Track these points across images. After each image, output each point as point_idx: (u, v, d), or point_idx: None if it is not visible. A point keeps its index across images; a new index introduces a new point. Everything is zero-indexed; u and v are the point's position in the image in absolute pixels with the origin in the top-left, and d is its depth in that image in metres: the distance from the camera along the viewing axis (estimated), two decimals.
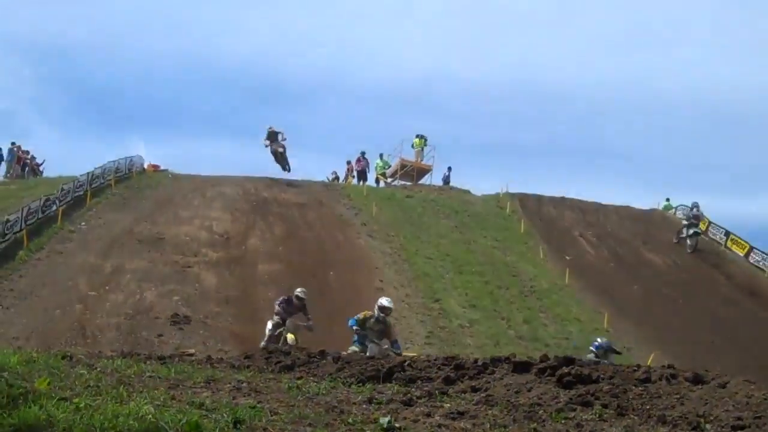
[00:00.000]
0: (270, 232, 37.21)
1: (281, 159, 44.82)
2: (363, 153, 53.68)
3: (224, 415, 6.55)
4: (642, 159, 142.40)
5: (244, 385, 8.95)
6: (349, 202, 43.43)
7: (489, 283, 34.86)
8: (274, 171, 45.33)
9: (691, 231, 45.14)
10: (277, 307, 23.50)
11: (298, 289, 24.38)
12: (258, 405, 7.39)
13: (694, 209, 46.30)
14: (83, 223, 35.70)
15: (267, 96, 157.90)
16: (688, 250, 44.62)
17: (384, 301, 20.37)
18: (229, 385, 8.78)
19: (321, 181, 50.19)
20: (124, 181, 43.54)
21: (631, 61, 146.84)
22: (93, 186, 40.10)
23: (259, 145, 45.14)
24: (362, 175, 53.22)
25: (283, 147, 44.46)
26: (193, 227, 36.12)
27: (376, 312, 19.64)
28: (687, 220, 46.30)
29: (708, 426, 7.75)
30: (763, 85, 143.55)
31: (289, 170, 45.72)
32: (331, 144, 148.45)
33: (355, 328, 19.67)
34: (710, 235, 49.05)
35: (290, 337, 24.52)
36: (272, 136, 44.52)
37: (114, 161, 43.84)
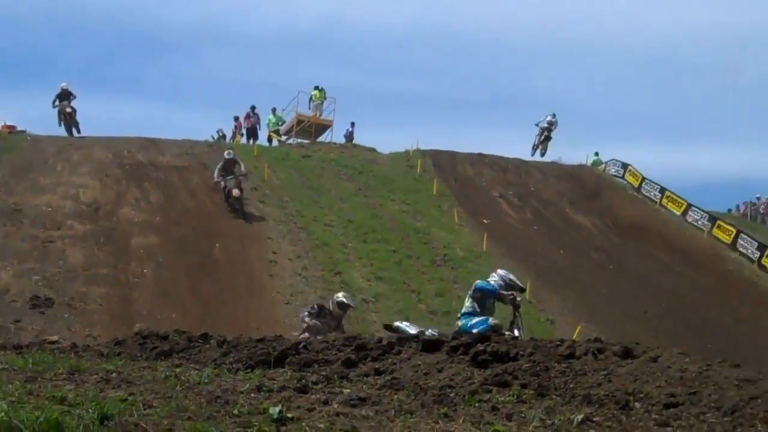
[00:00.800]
0: (146, 201, 36.77)
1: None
2: (253, 108, 53.26)
3: (89, 410, 6.46)
4: (566, 110, 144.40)
5: (114, 375, 8.85)
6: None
7: (397, 252, 35.04)
8: (152, 130, 44.78)
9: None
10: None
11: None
12: (129, 398, 7.31)
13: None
14: None
15: (143, 45, 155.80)
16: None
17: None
18: (96, 376, 8.67)
19: (205, 140, 49.51)
20: None
21: (549, 4, 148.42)
22: None
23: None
24: (252, 133, 52.87)
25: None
26: (56, 196, 35.45)
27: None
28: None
29: (637, 404, 7.90)
30: (695, 29, 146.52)
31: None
32: (216, 98, 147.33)
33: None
34: (644, 192, 50.11)
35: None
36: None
37: None
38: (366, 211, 39.27)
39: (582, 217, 45.32)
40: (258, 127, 53.10)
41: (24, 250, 30.04)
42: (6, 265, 28.76)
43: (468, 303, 17.50)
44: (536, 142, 52.90)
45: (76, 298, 27.28)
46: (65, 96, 43.81)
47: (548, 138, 51.90)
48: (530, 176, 50.40)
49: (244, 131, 53.38)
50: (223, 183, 36.30)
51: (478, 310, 17.20)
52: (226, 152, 37.31)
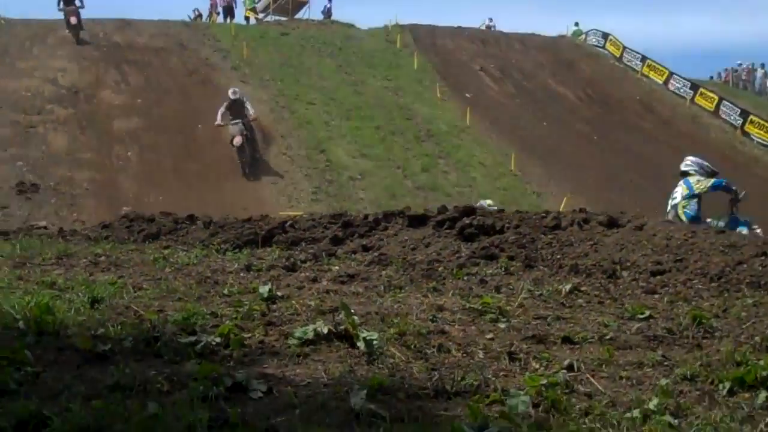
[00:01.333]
0: (125, 83, 36.45)
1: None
2: None
3: (80, 294, 6.48)
4: None
5: (102, 258, 8.86)
6: (215, 43, 42.62)
7: (381, 128, 34.96)
8: (125, 11, 44.01)
9: None
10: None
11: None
12: (119, 280, 7.33)
13: None
14: None
15: None
16: None
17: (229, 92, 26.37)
18: (85, 260, 8.67)
19: (181, 20, 48.91)
20: None
21: None
22: None
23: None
24: (229, 12, 52.25)
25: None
26: (35, 81, 35.06)
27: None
28: None
29: (624, 273, 7.96)
30: None
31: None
32: None
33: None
34: (625, 62, 49.90)
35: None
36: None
37: None
38: (348, 89, 39.04)
39: (564, 88, 45.17)
40: (234, 5, 52.48)
41: (5, 136, 29.84)
42: None
43: (694, 205, 14.42)
44: None
45: (62, 183, 27.23)
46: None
47: None
48: (510, 48, 50.09)
49: (220, 10, 52.75)
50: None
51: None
52: (230, 90, 31.27)
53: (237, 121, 29.99)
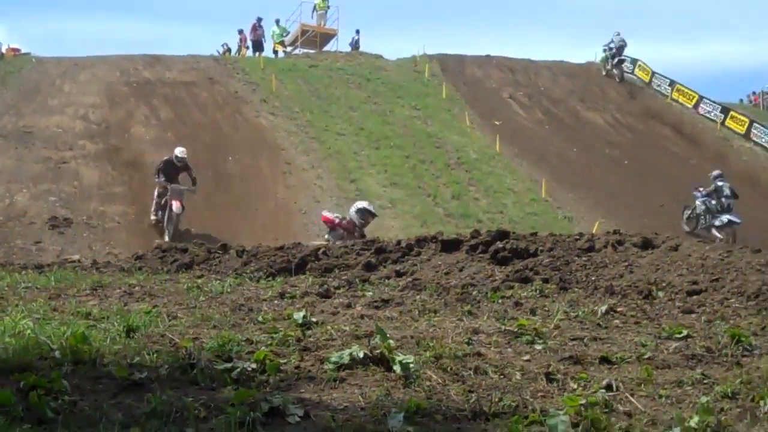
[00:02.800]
0: (155, 118, 36.62)
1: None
2: (259, 20, 52.93)
3: (115, 323, 6.49)
4: (573, 7, 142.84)
5: (137, 288, 8.89)
6: (244, 77, 42.84)
7: (410, 157, 34.95)
8: (154, 47, 44.47)
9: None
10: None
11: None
12: (154, 309, 7.34)
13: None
14: None
15: None
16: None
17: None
18: (119, 291, 8.71)
19: (210, 55, 49.25)
20: None
21: None
22: None
23: None
24: (258, 46, 52.51)
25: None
26: (66, 117, 35.34)
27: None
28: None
29: (660, 293, 7.90)
30: None
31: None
32: (218, 12, 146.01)
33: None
34: (654, 87, 49.75)
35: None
36: None
37: None
38: (376, 118, 39.11)
39: (593, 114, 45.11)
40: (263, 39, 52.73)
41: (38, 172, 30.03)
42: (22, 187, 28.78)
43: None
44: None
45: (94, 217, 27.33)
46: None
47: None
48: (539, 76, 50.09)
49: (249, 44, 53.03)
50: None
51: None
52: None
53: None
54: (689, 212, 29.71)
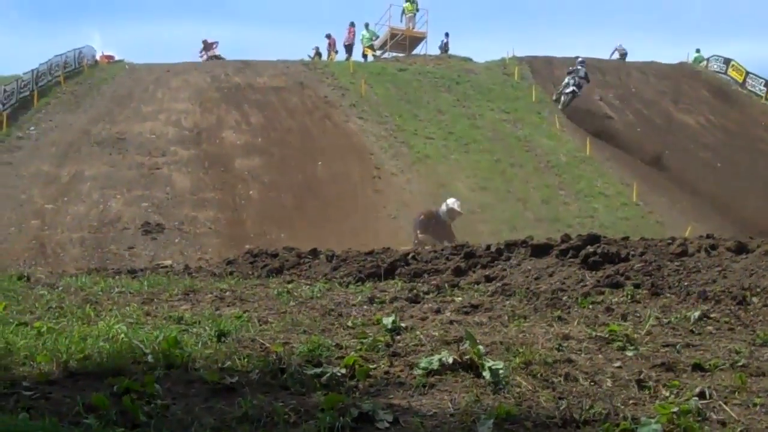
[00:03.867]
0: (246, 123, 37.01)
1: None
2: (352, 23, 53.08)
3: (206, 328, 6.56)
4: (664, 5, 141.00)
5: (228, 293, 8.98)
6: (334, 81, 43.09)
7: (500, 161, 34.86)
8: (248, 52, 44.92)
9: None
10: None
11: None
12: (245, 314, 7.40)
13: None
14: (32, 128, 35.46)
15: None
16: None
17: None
18: (210, 296, 8.80)
19: (300, 60, 49.54)
20: (75, 76, 43.03)
21: None
22: (39, 85, 39.71)
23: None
24: (349, 50, 52.71)
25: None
26: (159, 123, 35.91)
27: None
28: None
29: (755, 299, 7.76)
30: None
31: None
32: (308, 15, 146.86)
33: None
34: (748, 87, 48.92)
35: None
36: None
37: (61, 55, 43.27)
38: (466, 122, 39.05)
39: (685, 115, 44.51)
40: (353, 42, 52.94)
41: (131, 178, 30.53)
42: (116, 193, 29.29)
43: None
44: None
45: (186, 223, 27.70)
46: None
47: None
48: (630, 77, 49.57)
49: (338, 48, 53.31)
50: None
51: None
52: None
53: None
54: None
